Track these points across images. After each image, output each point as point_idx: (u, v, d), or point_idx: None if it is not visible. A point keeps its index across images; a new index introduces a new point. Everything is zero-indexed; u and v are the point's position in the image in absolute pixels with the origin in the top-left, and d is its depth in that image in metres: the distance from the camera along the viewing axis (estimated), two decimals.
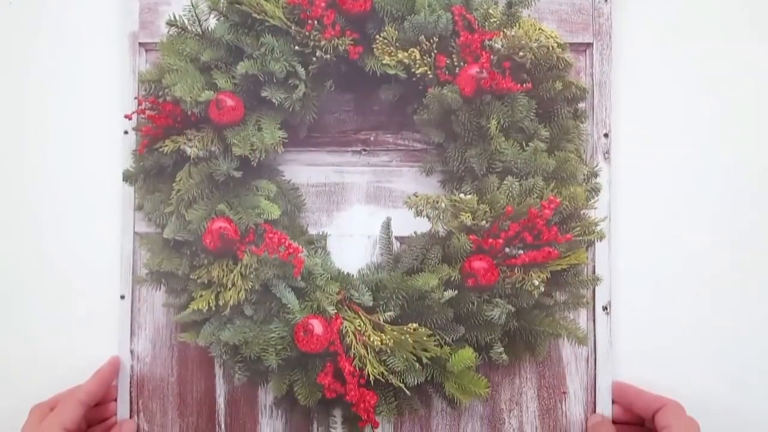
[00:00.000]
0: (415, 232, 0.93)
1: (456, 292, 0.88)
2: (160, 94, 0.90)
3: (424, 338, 0.88)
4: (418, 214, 0.89)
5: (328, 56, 0.88)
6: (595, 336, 0.94)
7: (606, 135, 0.95)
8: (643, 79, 0.97)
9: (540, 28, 0.89)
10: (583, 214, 0.91)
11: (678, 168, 0.96)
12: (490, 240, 0.88)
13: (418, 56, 0.88)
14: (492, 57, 0.88)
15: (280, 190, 0.94)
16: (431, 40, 0.88)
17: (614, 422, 0.93)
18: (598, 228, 0.91)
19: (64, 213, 0.98)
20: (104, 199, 0.97)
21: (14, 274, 0.98)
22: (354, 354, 0.88)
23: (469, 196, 0.89)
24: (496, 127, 0.88)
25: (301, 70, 0.88)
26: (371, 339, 0.87)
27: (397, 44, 0.89)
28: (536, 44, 0.88)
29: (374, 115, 0.97)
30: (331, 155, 0.97)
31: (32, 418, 0.91)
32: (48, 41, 1.00)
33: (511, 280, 0.88)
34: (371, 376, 0.87)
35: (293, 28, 0.88)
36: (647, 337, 0.95)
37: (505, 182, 0.89)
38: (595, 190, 0.93)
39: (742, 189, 0.96)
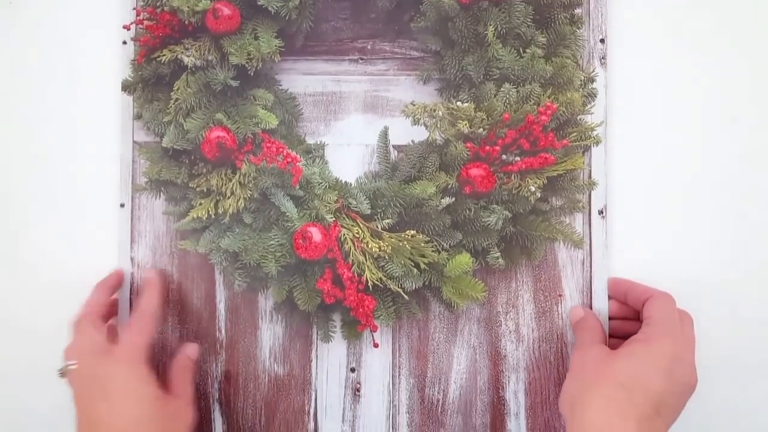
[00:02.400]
0: (412, 141, 0.94)
1: (453, 199, 0.89)
2: (158, 4, 0.90)
3: (422, 244, 0.89)
4: (416, 122, 0.89)
5: None
6: (590, 239, 0.95)
7: (602, 41, 0.95)
8: None
9: None
10: (580, 119, 0.91)
11: (675, 71, 0.96)
12: (487, 147, 0.88)
13: None
14: None
15: (278, 100, 0.94)
16: None
17: (610, 318, 0.94)
18: (595, 133, 0.91)
19: (64, 122, 0.98)
20: (103, 109, 0.97)
21: (13, 183, 0.99)
22: (352, 260, 0.89)
23: (466, 104, 0.89)
24: (494, 33, 0.88)
25: None
26: (369, 246, 0.88)
27: None
28: None
29: (371, 23, 0.97)
30: (327, 64, 0.97)
31: (91, 334, 0.90)
32: None
33: (508, 186, 0.89)
34: (370, 282, 0.88)
35: None
36: (643, 239, 0.96)
37: (502, 89, 0.89)
38: (592, 96, 0.93)
39: (739, 91, 0.96)
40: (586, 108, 0.92)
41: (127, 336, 0.90)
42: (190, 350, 0.96)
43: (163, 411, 0.86)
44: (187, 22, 0.88)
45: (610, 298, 0.94)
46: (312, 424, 0.96)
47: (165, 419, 0.86)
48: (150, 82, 0.92)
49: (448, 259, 0.90)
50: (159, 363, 0.97)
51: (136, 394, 0.86)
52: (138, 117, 0.95)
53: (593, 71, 0.94)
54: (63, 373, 0.89)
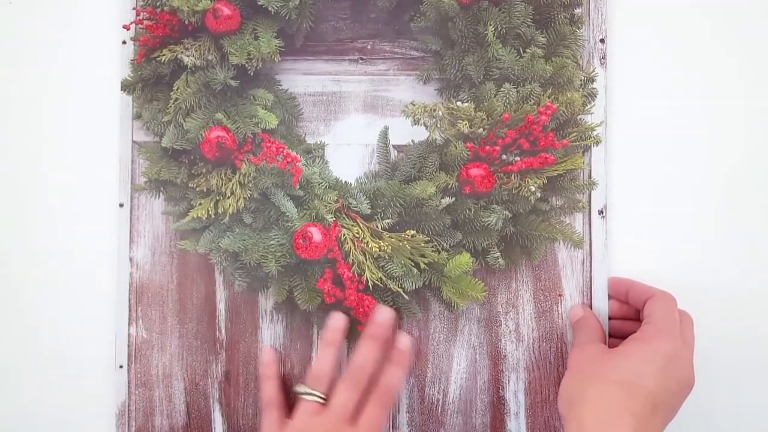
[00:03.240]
0: (412, 141, 0.94)
1: (453, 199, 0.89)
2: (158, 4, 0.90)
3: (422, 244, 0.89)
4: (416, 122, 0.89)
5: None
6: (590, 239, 0.95)
7: (602, 40, 0.95)
8: None
9: None
10: (580, 119, 0.92)
11: (675, 71, 0.96)
12: (487, 147, 0.88)
13: None
14: None
15: (278, 100, 0.94)
16: None
17: (610, 318, 0.94)
18: (595, 133, 0.91)
19: (63, 122, 0.98)
20: (102, 109, 0.97)
21: (12, 182, 0.98)
22: (353, 260, 0.89)
23: (466, 104, 0.89)
24: (494, 33, 0.88)
25: None
26: (369, 246, 0.88)
27: None
28: None
29: (371, 23, 0.97)
30: (328, 64, 0.97)
31: (353, 397, 0.87)
32: None
33: (508, 186, 0.89)
34: (370, 282, 0.88)
35: None
36: (643, 239, 0.96)
37: (502, 89, 0.89)
38: (592, 96, 0.93)
39: (739, 91, 0.96)
40: (586, 108, 0.92)
41: (371, 415, 0.87)
42: None
43: None
44: (187, 22, 0.88)
45: (610, 297, 0.95)
46: None
47: None
48: (149, 81, 0.92)
49: (448, 259, 0.90)
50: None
51: None
52: (137, 117, 0.95)
53: (593, 71, 0.94)
54: (302, 395, 0.87)
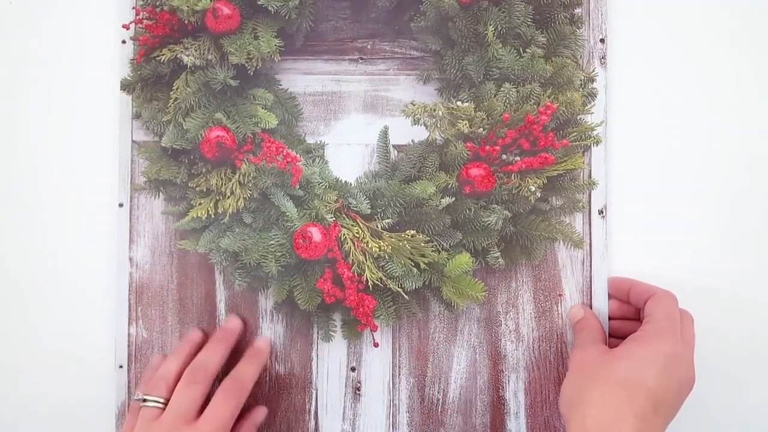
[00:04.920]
0: (412, 141, 0.94)
1: (453, 199, 0.89)
2: (157, 3, 0.90)
3: (422, 244, 0.89)
4: (416, 122, 0.89)
5: None
6: (590, 239, 0.95)
7: (602, 40, 0.95)
8: None
9: None
10: (580, 119, 0.92)
11: (675, 71, 0.96)
12: (487, 147, 0.88)
13: None
14: None
15: (278, 99, 0.94)
16: None
17: (610, 318, 0.94)
18: (595, 133, 0.91)
19: (62, 121, 0.98)
20: (102, 108, 0.97)
21: (12, 181, 0.98)
22: (352, 260, 0.89)
23: (466, 104, 0.89)
24: (494, 33, 0.88)
25: None
26: (369, 246, 0.88)
27: None
28: None
29: (371, 23, 0.97)
30: (327, 63, 0.97)
31: (191, 396, 0.85)
32: None
33: (508, 186, 0.89)
34: (370, 282, 0.88)
35: None
36: (643, 239, 0.96)
37: (502, 89, 0.89)
38: (592, 95, 0.93)
39: (739, 91, 0.96)
40: (586, 108, 0.92)
41: (215, 408, 0.85)
42: (259, 416, 0.94)
43: None
44: (186, 22, 0.88)
45: (610, 297, 0.95)
46: (313, 423, 0.97)
47: None
48: (149, 81, 0.92)
49: (448, 259, 0.90)
50: None
51: None
52: (137, 116, 0.95)
53: (593, 71, 0.94)
54: (140, 401, 0.86)
